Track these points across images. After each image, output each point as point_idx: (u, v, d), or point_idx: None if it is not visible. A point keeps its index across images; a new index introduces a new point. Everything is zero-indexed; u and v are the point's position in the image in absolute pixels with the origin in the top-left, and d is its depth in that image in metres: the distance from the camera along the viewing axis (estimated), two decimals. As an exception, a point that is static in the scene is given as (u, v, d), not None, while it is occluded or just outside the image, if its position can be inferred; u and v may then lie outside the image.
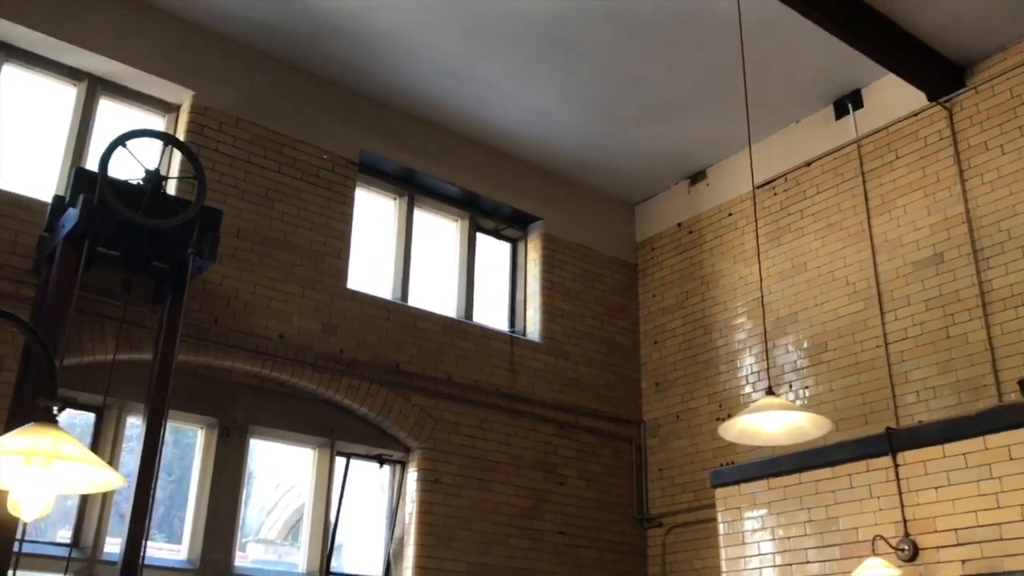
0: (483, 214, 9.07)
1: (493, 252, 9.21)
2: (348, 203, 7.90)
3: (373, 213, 8.41)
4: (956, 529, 5.24)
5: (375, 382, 7.51)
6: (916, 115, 7.61)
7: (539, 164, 9.28)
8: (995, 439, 5.18)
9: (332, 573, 7.17)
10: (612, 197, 9.85)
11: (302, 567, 7.12)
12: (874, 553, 5.33)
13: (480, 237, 9.07)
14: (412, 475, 7.65)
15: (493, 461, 8.03)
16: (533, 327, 8.91)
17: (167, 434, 5.70)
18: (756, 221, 6.62)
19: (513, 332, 8.85)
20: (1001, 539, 5.02)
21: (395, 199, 8.58)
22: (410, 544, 7.41)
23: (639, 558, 8.70)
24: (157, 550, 6.49)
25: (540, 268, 9.08)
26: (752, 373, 8.24)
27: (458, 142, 8.77)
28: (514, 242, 9.36)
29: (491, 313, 8.87)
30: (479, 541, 7.70)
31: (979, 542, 5.11)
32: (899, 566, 5.32)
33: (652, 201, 9.86)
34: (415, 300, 8.23)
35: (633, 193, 9.83)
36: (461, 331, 8.27)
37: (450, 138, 8.72)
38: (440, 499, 7.61)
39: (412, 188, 8.61)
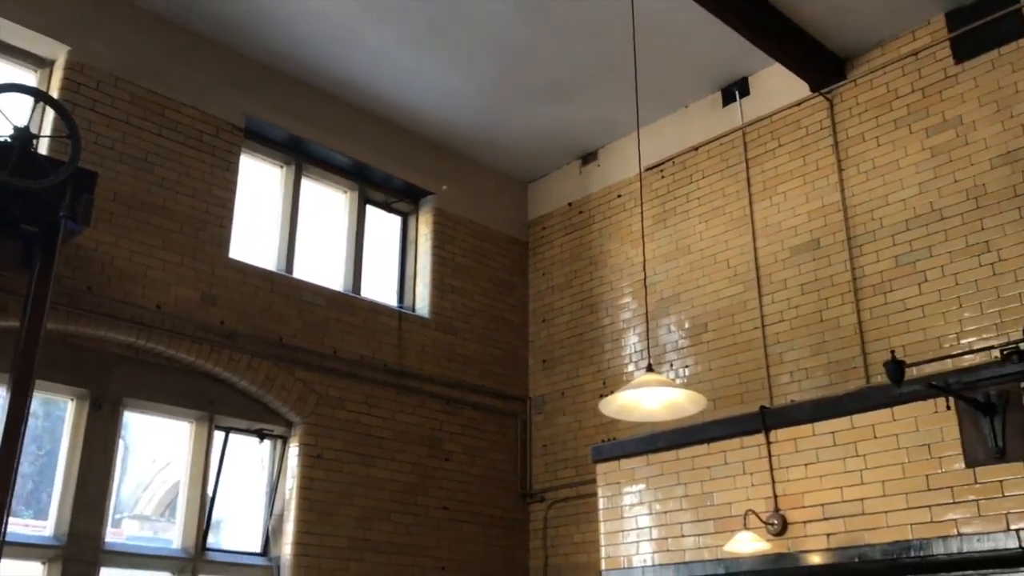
0: (373, 186, 8.94)
1: (383, 225, 9.10)
2: (232, 170, 7.67)
3: (259, 181, 8.18)
4: (822, 504, 5.47)
5: (257, 355, 7.34)
6: (799, 104, 7.85)
7: (432, 138, 9.20)
8: (861, 419, 5.43)
9: (208, 549, 7.00)
10: (505, 174, 9.86)
11: (177, 543, 6.93)
12: (745, 527, 5.52)
13: (370, 210, 8.94)
14: (293, 450, 7.52)
15: (378, 437, 7.97)
16: (422, 303, 8.86)
17: (38, 406, 5.44)
18: (642, 204, 6.73)
19: (401, 307, 8.78)
20: (863, 514, 5.27)
21: (282, 167, 8.37)
22: (290, 520, 7.30)
23: (521, 532, 8.80)
24: (23, 526, 6.22)
25: (431, 243, 9.02)
26: (635, 352, 8.40)
27: (349, 111, 8.61)
28: (405, 216, 9.27)
29: (379, 287, 8.78)
30: (361, 517, 7.64)
31: (843, 517, 5.35)
32: (768, 540, 5.52)
33: (544, 180, 9.91)
34: (301, 272, 8.06)
35: (526, 171, 9.86)
36: (348, 305, 8.16)
37: (341, 107, 8.55)
38: (322, 475, 7.51)
39: (300, 157, 8.41)
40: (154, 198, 7.09)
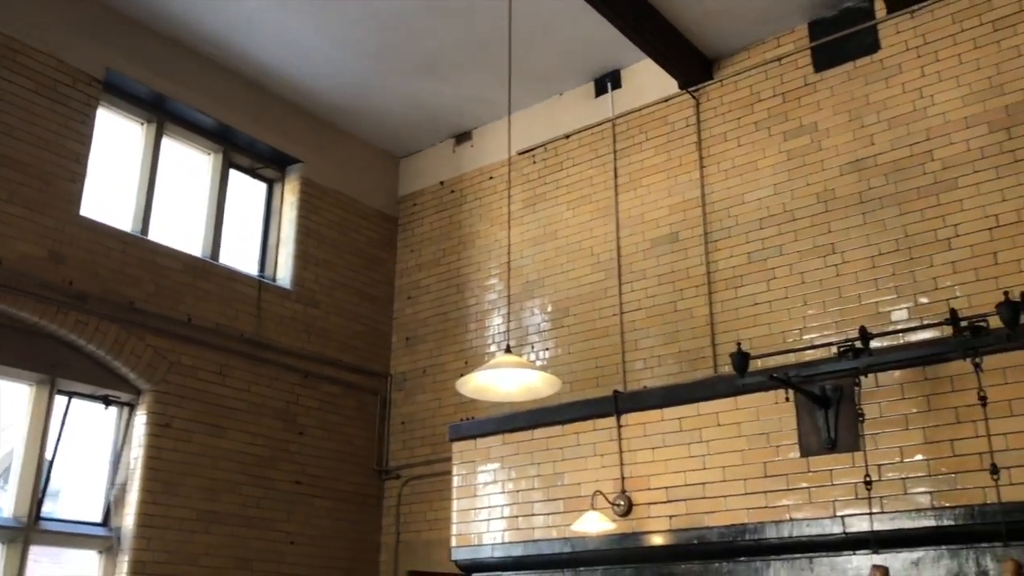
0: (239, 150, 8.67)
1: (247, 191, 8.85)
2: (88, 123, 7.29)
3: (117, 137, 7.82)
4: (666, 487, 5.67)
5: (106, 318, 7.04)
6: (667, 101, 8.07)
7: (304, 105, 8.99)
8: (707, 406, 5.65)
9: (43, 519, 6.69)
10: (377, 148, 9.75)
11: (8, 511, 6.59)
12: (593, 507, 5.67)
13: (234, 174, 8.68)
14: (141, 418, 7.26)
15: (230, 408, 7.78)
16: (284, 273, 8.67)
17: None
18: (510, 187, 6.80)
19: (262, 277, 8.58)
20: (704, 497, 5.50)
21: (143, 124, 8.02)
22: (133, 490, 7.06)
23: (374, 509, 8.78)
24: None
25: (296, 213, 8.84)
26: (499, 333, 8.49)
27: (217, 72, 8.32)
28: (270, 183, 9.04)
29: (240, 255, 8.54)
30: (208, 488, 7.46)
31: (685, 500, 5.57)
32: (614, 520, 5.70)
33: (417, 156, 9.86)
34: (157, 235, 7.76)
35: (399, 146, 9.77)
36: (205, 271, 7.91)
37: (209, 66, 8.25)
38: (169, 444, 7.28)
39: (162, 115, 8.08)
40: (-1, 147, 6.68)
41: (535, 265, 8.43)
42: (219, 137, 8.49)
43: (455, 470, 6.77)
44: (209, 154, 8.52)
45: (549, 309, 8.25)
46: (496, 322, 8.58)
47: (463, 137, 9.48)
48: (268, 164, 8.91)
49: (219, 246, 8.27)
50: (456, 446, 6.84)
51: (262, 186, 8.98)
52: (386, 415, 9.09)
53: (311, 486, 8.27)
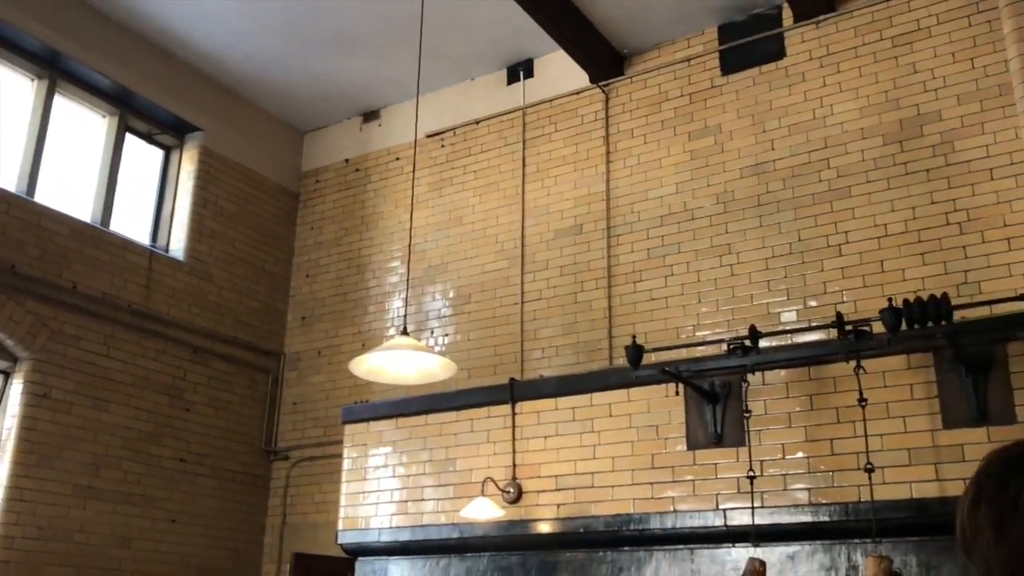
0: (136, 114, 8.34)
1: (143, 158, 8.53)
2: (-27, 75, 6.92)
3: (4, 92, 7.43)
4: (556, 476, 5.72)
5: (-17, 281, 6.70)
6: (578, 93, 8.11)
7: (208, 72, 8.71)
8: (600, 397, 5.71)
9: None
10: (282, 121, 9.52)
11: None
12: (483, 494, 5.67)
13: (130, 139, 8.35)
14: (17, 387, 6.94)
15: (115, 380, 7.50)
16: (178, 244, 8.40)
17: None
18: (414, 169, 6.74)
19: (154, 247, 8.29)
20: (592, 487, 5.56)
21: (33, 80, 7.64)
22: (5, 461, 6.74)
23: (261, 490, 8.60)
24: None
25: (194, 183, 8.56)
26: (398, 316, 8.41)
27: (117, 31, 7.98)
28: (168, 150, 8.73)
29: (132, 223, 8.23)
30: (88, 463, 7.18)
31: (574, 488, 5.62)
32: (503, 507, 5.71)
33: (322, 132, 9.67)
34: (44, 197, 7.41)
35: (304, 121, 9.57)
36: (94, 238, 7.60)
37: (108, 25, 7.91)
38: (47, 415, 6.98)
39: (55, 71, 7.71)
40: None
41: (438, 250, 8.38)
42: (116, 99, 8.15)
43: (346, 453, 6.68)
44: (104, 116, 8.18)
45: (451, 295, 8.21)
46: (396, 305, 8.50)
47: (371, 116, 9.34)
48: (166, 131, 8.60)
49: (110, 212, 7.95)
50: (348, 429, 6.74)
51: (159, 153, 8.67)
52: (278, 395, 8.91)
53: (196, 464, 8.05)
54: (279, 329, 9.12)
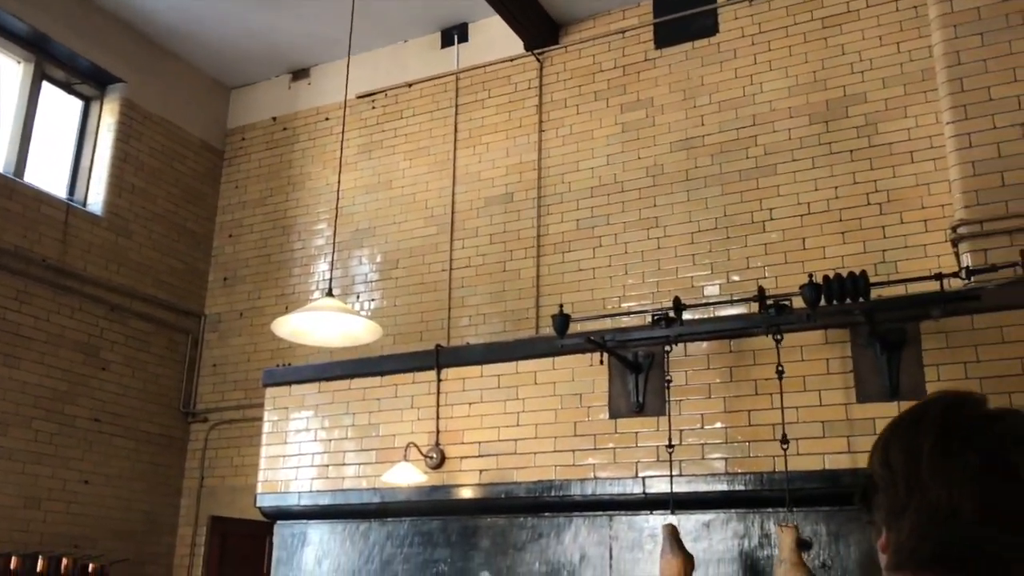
0: (54, 62, 8.02)
1: (60, 108, 8.22)
2: None
3: (-90, 32, 7.07)
4: (479, 442, 5.73)
5: None
6: (512, 60, 8.06)
7: (132, 22, 8.41)
8: (525, 365, 5.72)
9: None
10: (208, 76, 9.25)
11: None
12: (405, 459, 5.66)
13: (47, 87, 8.03)
14: (-79, 342, 6.67)
15: (26, 337, 7.26)
16: (96, 198, 8.13)
17: None
18: (343, 130, 6.63)
19: (71, 200, 8.01)
20: (515, 453, 5.59)
21: (-58, 21, 7.29)
22: (-93, 419, 6.49)
23: (178, 452, 8.45)
24: None
25: (114, 136, 8.29)
26: (324, 279, 8.30)
27: (34, -26, 7.65)
28: (87, 101, 8.43)
29: (48, 175, 7.94)
30: (-4, 422, 6.96)
31: (496, 455, 5.65)
32: (426, 472, 5.71)
33: (249, 89, 9.43)
34: (-47, 144, 7.11)
35: (231, 76, 9.32)
36: (8, 189, 7.31)
37: (25, -33, 7.58)
38: (-47, 372, 6.74)
39: (-33, 14, 7.37)
40: None
41: (367, 213, 8.28)
42: (32, 45, 7.82)
43: (266, 416, 6.58)
44: (19, 63, 7.85)
45: (378, 259, 8.13)
46: (322, 268, 8.38)
47: (300, 74, 9.15)
48: (86, 80, 8.30)
49: (24, 163, 7.66)
50: (269, 392, 6.64)
51: (78, 103, 8.37)
52: (197, 356, 8.73)
53: (111, 424, 7.86)
54: (200, 289, 8.93)
